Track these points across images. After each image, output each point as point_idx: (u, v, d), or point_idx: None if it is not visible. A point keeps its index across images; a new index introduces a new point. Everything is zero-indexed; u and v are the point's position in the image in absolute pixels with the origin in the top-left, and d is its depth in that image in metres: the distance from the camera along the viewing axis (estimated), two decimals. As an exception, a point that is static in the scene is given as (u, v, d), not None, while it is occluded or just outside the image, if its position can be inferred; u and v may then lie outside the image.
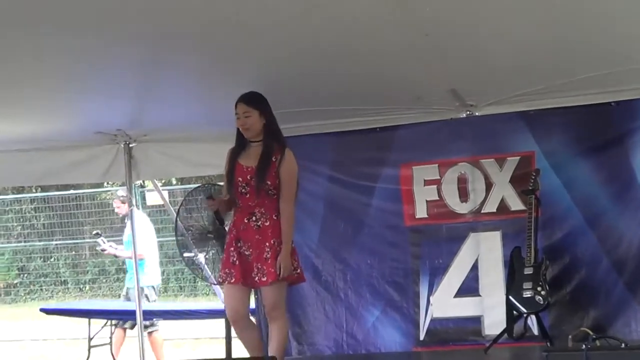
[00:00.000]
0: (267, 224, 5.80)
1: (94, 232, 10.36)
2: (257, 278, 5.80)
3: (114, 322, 9.56)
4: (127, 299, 9.61)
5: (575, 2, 4.75)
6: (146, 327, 9.40)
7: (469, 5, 4.70)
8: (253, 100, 5.86)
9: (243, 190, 5.85)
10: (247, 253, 5.83)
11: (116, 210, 9.65)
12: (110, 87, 5.99)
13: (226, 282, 5.92)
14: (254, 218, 5.83)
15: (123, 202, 9.63)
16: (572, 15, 4.88)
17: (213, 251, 6.86)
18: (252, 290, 6.25)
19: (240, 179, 5.86)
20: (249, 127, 5.86)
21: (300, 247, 7.01)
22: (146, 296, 9.47)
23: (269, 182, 5.78)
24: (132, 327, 9.45)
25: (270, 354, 5.89)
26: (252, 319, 6.45)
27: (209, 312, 9.41)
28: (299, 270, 5.94)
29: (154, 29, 4.80)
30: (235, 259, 5.86)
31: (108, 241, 10.15)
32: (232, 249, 5.88)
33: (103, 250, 10.12)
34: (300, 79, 5.88)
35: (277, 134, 5.91)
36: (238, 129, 5.93)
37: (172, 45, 5.10)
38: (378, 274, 7.04)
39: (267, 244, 5.78)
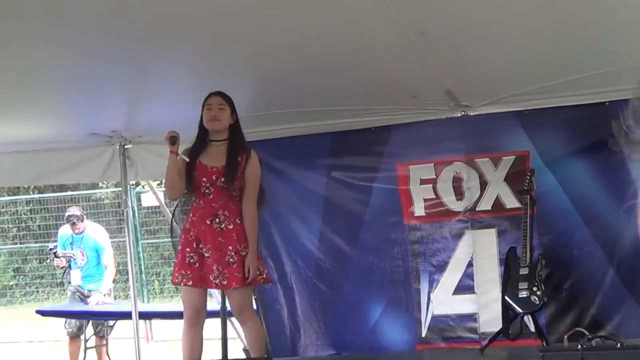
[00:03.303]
0: (231, 227, 5.74)
1: (49, 247, 9.96)
2: (217, 281, 5.73)
3: (68, 329, 9.49)
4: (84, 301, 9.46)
5: (570, 3, 4.75)
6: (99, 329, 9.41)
7: (465, 5, 4.70)
8: (228, 97, 5.84)
9: (207, 191, 5.77)
10: (206, 255, 5.75)
11: (75, 231, 9.48)
12: (104, 88, 5.99)
13: (182, 283, 5.84)
14: (217, 220, 5.75)
15: (82, 221, 9.55)
16: (567, 16, 4.89)
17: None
18: (215, 292, 6.25)
19: (204, 179, 5.78)
20: (221, 119, 5.81)
21: (303, 246, 7.15)
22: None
23: (235, 183, 5.74)
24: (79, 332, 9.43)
25: (252, 355, 5.89)
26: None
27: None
28: (264, 275, 5.92)
29: (149, 29, 4.80)
30: (194, 261, 5.77)
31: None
32: (188, 249, 5.79)
33: (58, 265, 9.83)
34: (297, 79, 5.88)
35: (241, 136, 5.89)
36: (200, 128, 5.88)
37: (167, 46, 5.10)
38: (380, 271, 7.03)
39: (231, 247, 5.71)
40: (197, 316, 5.89)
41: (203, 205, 5.79)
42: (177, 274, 5.84)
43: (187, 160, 5.83)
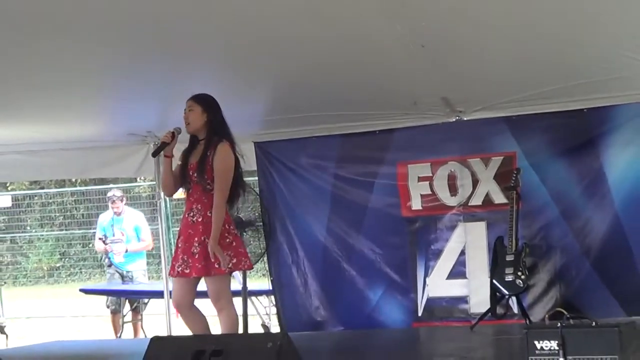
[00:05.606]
0: (200, 220, 5.46)
1: (99, 237, 10.01)
2: (180, 269, 5.48)
3: (111, 307, 9.62)
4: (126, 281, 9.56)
5: (551, 25, 4.87)
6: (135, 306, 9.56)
7: (460, 23, 4.79)
8: (200, 97, 5.55)
9: (188, 187, 5.60)
10: (179, 245, 5.57)
11: (115, 210, 9.57)
12: (140, 94, 6.13)
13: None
14: (191, 213, 5.52)
15: (121, 201, 9.63)
16: (549, 35, 5.02)
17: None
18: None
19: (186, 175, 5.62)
20: (190, 122, 5.52)
21: (313, 235, 7.27)
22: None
23: (206, 176, 5.46)
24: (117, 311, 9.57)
25: None
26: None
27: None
28: (234, 260, 5.48)
29: (179, 39, 4.93)
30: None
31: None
32: (177, 242, 5.67)
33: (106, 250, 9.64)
34: (311, 87, 6.00)
35: (219, 130, 5.52)
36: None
37: (196, 55, 5.24)
38: (381, 258, 7.13)
39: (196, 238, 5.45)
40: (185, 305, 5.59)
41: (185, 201, 5.68)
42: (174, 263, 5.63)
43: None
